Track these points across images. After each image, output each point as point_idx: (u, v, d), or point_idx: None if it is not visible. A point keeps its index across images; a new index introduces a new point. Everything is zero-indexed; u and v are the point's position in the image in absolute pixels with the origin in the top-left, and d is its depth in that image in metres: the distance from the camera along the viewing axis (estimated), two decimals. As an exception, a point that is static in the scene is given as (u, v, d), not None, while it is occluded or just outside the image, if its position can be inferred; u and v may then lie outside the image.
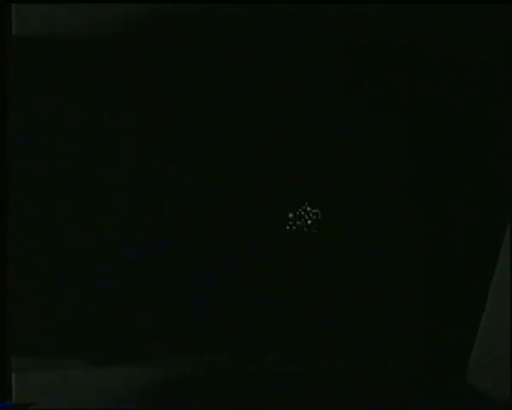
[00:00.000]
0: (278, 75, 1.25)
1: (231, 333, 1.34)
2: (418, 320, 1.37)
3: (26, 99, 1.16)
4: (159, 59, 1.21)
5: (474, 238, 1.34)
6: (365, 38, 1.22)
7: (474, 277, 1.35)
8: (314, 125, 1.29)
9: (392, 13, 1.19)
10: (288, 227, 1.35)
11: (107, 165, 1.25)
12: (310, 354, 1.36)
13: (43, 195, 1.24)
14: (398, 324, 1.37)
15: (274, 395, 1.30)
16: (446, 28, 1.21)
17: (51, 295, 1.27)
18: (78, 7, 1.14)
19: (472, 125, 1.29)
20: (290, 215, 1.36)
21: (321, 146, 1.30)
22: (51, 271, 1.27)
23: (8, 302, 1.08)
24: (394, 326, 1.37)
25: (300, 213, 1.35)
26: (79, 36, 1.15)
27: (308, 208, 1.35)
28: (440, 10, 1.19)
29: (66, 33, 1.14)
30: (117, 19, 1.15)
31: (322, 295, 1.35)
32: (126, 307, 1.30)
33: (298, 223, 1.36)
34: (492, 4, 1.18)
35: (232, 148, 1.28)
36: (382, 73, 1.25)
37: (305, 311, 1.35)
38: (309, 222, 1.35)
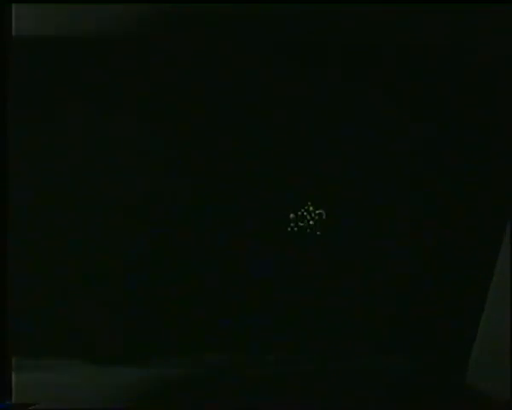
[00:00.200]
0: (279, 74, 1.25)
1: (231, 334, 1.34)
2: (418, 321, 1.38)
3: (26, 99, 1.16)
4: (159, 59, 1.21)
5: (475, 239, 1.35)
6: (368, 38, 1.22)
7: (474, 277, 1.35)
8: (317, 122, 1.28)
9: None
10: (289, 229, 1.34)
11: (107, 165, 1.25)
12: (310, 354, 1.37)
13: (43, 194, 1.24)
14: (398, 324, 1.37)
15: (274, 395, 1.31)
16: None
17: (51, 295, 1.28)
18: (78, 7, 1.14)
19: (473, 126, 1.29)
20: (291, 216, 1.34)
21: (324, 143, 1.30)
22: (51, 271, 1.27)
23: (8, 302, 1.08)
24: (394, 327, 1.37)
25: (303, 213, 1.34)
26: (79, 36, 1.15)
27: (311, 208, 1.34)
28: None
29: (66, 33, 1.14)
30: (117, 19, 1.15)
31: (323, 295, 1.35)
32: (126, 307, 1.30)
33: (300, 224, 1.35)
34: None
35: (232, 147, 1.28)
36: (386, 73, 1.25)
37: (305, 311, 1.35)
38: (311, 223, 1.34)
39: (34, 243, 1.25)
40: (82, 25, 1.14)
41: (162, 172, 1.27)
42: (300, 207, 1.33)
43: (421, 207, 1.33)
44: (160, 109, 1.24)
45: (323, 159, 1.30)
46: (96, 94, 1.20)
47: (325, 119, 1.28)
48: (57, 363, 1.28)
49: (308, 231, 1.33)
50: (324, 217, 1.33)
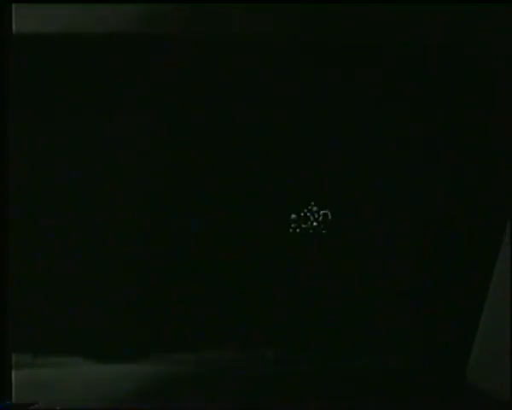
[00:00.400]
0: (280, 73, 1.25)
1: (231, 333, 1.34)
2: (419, 320, 1.38)
3: (26, 99, 1.17)
4: (159, 59, 1.22)
5: (475, 238, 1.35)
6: (369, 38, 1.22)
7: (474, 277, 1.35)
8: (320, 119, 1.28)
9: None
10: (291, 230, 1.33)
11: (107, 164, 1.25)
12: (310, 354, 1.37)
13: (43, 193, 1.25)
14: (398, 324, 1.37)
15: (274, 394, 1.31)
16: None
17: (51, 293, 1.28)
18: (78, 7, 1.14)
19: (474, 125, 1.29)
20: (293, 216, 1.32)
21: (327, 140, 1.30)
22: (50, 269, 1.27)
23: (8, 301, 1.08)
24: (394, 326, 1.37)
25: (305, 214, 1.32)
26: (79, 36, 1.15)
27: (315, 208, 1.32)
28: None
29: (67, 33, 1.14)
30: (117, 18, 1.16)
31: (323, 295, 1.35)
32: (126, 305, 1.30)
33: (303, 225, 1.32)
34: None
35: (231, 144, 1.28)
36: (391, 72, 1.26)
37: (306, 310, 1.35)
38: (315, 224, 1.32)
39: (34, 240, 1.25)
40: (82, 25, 1.14)
41: (162, 171, 1.27)
42: (303, 208, 1.32)
43: (425, 206, 1.34)
44: (160, 109, 1.25)
45: (327, 155, 1.30)
46: (97, 94, 1.20)
47: (329, 114, 1.28)
48: (57, 360, 1.28)
49: (311, 232, 1.32)
50: (330, 218, 1.32)
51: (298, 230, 1.32)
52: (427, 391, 1.35)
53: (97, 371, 1.28)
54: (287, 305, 1.34)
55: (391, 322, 1.37)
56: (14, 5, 1.10)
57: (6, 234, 1.08)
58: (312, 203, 1.31)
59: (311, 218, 1.32)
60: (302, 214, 1.31)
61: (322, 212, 1.32)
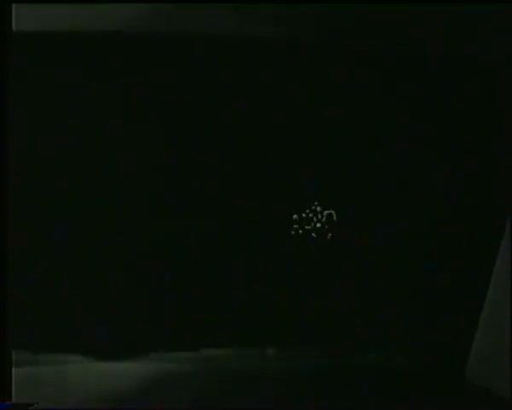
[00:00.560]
0: (282, 73, 1.25)
1: (232, 330, 1.34)
2: (418, 319, 1.38)
3: (26, 99, 1.17)
4: (159, 57, 1.22)
5: (475, 237, 1.35)
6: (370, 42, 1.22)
7: (474, 275, 1.35)
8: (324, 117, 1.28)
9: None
10: (293, 232, 1.29)
11: (107, 163, 1.25)
12: (310, 351, 1.37)
13: (43, 191, 1.25)
14: (398, 323, 1.37)
15: (273, 391, 1.31)
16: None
17: (51, 290, 1.28)
18: (78, 7, 1.14)
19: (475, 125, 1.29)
20: (295, 217, 1.29)
21: (331, 136, 1.29)
22: (50, 267, 1.28)
23: (8, 299, 1.08)
24: (395, 326, 1.37)
25: (308, 215, 1.29)
26: (80, 36, 1.15)
27: (318, 208, 1.29)
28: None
29: (67, 33, 1.14)
30: (118, 18, 1.16)
31: (324, 294, 1.35)
32: (126, 302, 1.30)
33: (306, 227, 1.29)
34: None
35: (230, 141, 1.28)
36: (391, 73, 1.25)
37: (306, 309, 1.35)
38: (318, 226, 1.29)
39: (34, 239, 1.26)
40: (82, 24, 1.15)
41: (163, 171, 1.27)
42: (306, 208, 1.30)
43: (427, 206, 1.33)
44: (161, 109, 1.25)
45: (332, 151, 1.30)
46: (97, 94, 1.20)
47: (334, 111, 1.28)
48: (57, 358, 1.28)
49: (314, 235, 1.30)
50: (335, 218, 1.30)
51: (300, 231, 1.29)
52: (426, 390, 1.35)
53: (97, 369, 1.29)
54: (287, 303, 1.34)
55: (391, 321, 1.37)
56: (14, 5, 1.10)
57: (6, 233, 1.09)
58: (316, 203, 1.30)
59: (315, 219, 1.29)
60: (304, 215, 1.29)
61: (326, 212, 1.29)
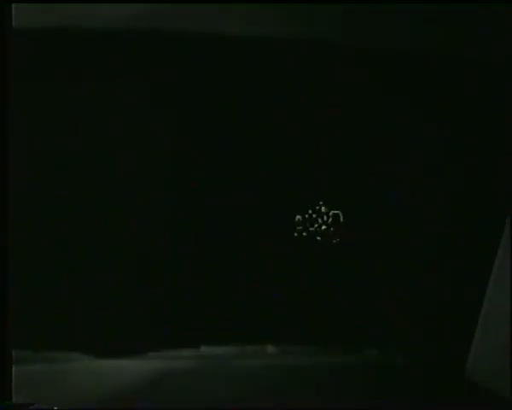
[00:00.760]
0: (286, 71, 1.25)
1: (231, 328, 1.35)
2: (418, 317, 1.38)
3: (27, 99, 1.17)
4: (158, 56, 1.22)
5: (475, 235, 1.35)
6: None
7: (474, 272, 1.35)
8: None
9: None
10: (296, 234, 1.24)
11: (107, 162, 1.26)
12: (311, 347, 1.37)
13: (42, 189, 1.25)
14: (397, 321, 1.38)
15: (273, 388, 1.31)
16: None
17: (50, 288, 1.29)
18: (78, 7, 1.14)
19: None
20: (297, 218, 1.25)
21: (338, 130, 1.29)
22: (51, 265, 1.28)
23: (8, 297, 1.08)
24: (394, 323, 1.38)
25: (311, 215, 1.24)
26: (80, 36, 1.15)
27: (324, 209, 1.24)
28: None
29: (67, 33, 1.14)
30: (118, 18, 1.16)
31: (324, 293, 1.35)
32: (126, 300, 1.31)
33: (310, 228, 1.24)
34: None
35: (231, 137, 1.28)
36: (391, 73, 1.26)
37: (306, 307, 1.36)
38: (324, 228, 1.24)
39: (33, 236, 1.26)
40: (82, 24, 1.15)
41: (165, 172, 1.28)
42: (309, 208, 1.27)
43: (429, 205, 1.34)
44: (162, 107, 1.25)
45: (338, 147, 1.30)
46: (97, 94, 1.20)
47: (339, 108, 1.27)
48: (57, 356, 1.28)
49: (318, 238, 1.26)
50: (342, 220, 1.27)
51: (304, 233, 1.25)
52: (426, 389, 1.36)
53: (97, 367, 1.29)
54: (286, 301, 1.35)
55: (391, 319, 1.38)
56: (14, 5, 1.10)
57: (6, 232, 1.09)
58: (321, 203, 1.26)
59: (320, 220, 1.25)
60: (307, 216, 1.25)
61: (332, 212, 1.26)
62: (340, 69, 1.25)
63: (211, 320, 1.33)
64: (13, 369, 1.11)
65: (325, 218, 1.24)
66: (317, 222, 1.24)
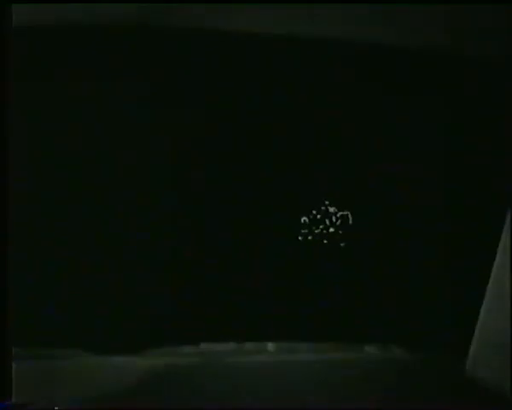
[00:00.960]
0: (290, 68, 1.26)
1: (231, 324, 1.35)
2: (418, 313, 1.38)
3: (27, 99, 1.18)
4: (158, 54, 1.22)
5: (475, 230, 1.35)
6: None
7: (474, 269, 1.35)
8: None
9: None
10: (300, 237, 1.18)
11: (107, 160, 1.26)
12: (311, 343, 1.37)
13: (44, 186, 1.26)
14: (398, 316, 1.38)
15: (274, 386, 1.31)
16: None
17: (50, 284, 1.29)
18: (78, 7, 1.15)
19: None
20: (303, 219, 1.18)
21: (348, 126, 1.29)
22: (50, 263, 1.29)
23: (8, 294, 1.09)
24: (394, 319, 1.38)
25: (316, 216, 1.19)
26: (80, 36, 1.16)
27: (331, 209, 1.18)
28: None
29: (67, 33, 1.15)
30: (118, 18, 1.16)
31: (324, 290, 1.36)
32: (125, 297, 1.31)
33: (316, 231, 1.17)
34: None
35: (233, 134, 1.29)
36: (391, 73, 1.26)
37: (305, 305, 1.36)
38: (332, 230, 1.16)
39: (33, 232, 1.27)
40: (82, 24, 1.15)
41: (167, 172, 1.28)
42: (316, 209, 1.22)
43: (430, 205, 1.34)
44: (163, 106, 1.25)
45: (346, 144, 1.29)
46: (97, 94, 1.21)
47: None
48: (57, 352, 1.29)
49: (325, 242, 1.21)
50: (351, 222, 1.23)
51: (310, 237, 1.20)
52: (426, 385, 1.36)
53: (97, 364, 1.30)
54: (286, 298, 1.35)
55: (391, 314, 1.38)
56: (14, 5, 1.10)
57: (6, 232, 1.09)
58: (327, 202, 1.20)
59: (327, 222, 1.18)
60: (311, 217, 1.19)
61: (340, 213, 1.20)
62: (340, 69, 1.25)
63: (211, 318, 1.34)
64: (13, 366, 1.11)
65: (333, 219, 1.17)
66: (325, 224, 1.17)
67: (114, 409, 1.15)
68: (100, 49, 1.19)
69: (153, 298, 1.32)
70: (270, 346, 1.37)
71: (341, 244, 1.18)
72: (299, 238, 1.19)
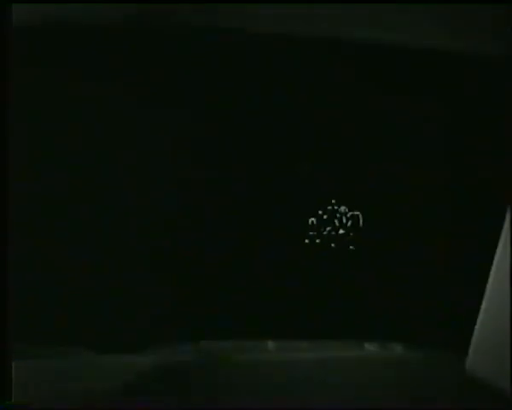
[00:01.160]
0: (290, 68, 1.25)
1: (231, 323, 1.35)
2: (418, 312, 1.38)
3: (27, 99, 1.18)
4: (158, 53, 1.22)
5: (475, 228, 1.35)
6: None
7: (474, 266, 1.35)
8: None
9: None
10: (307, 240, 1.13)
11: (107, 160, 1.26)
12: (311, 341, 1.37)
13: (43, 185, 1.26)
14: (398, 315, 1.38)
15: (273, 384, 1.31)
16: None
17: (51, 283, 1.29)
18: (78, 7, 1.15)
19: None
20: (311, 221, 1.12)
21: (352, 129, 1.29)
22: (51, 261, 1.29)
23: (9, 292, 1.09)
24: (394, 318, 1.38)
25: (322, 216, 1.13)
26: (80, 36, 1.16)
27: (342, 209, 1.12)
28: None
29: (67, 33, 1.15)
30: (118, 19, 1.16)
31: (323, 285, 1.36)
32: (126, 295, 1.31)
33: (324, 233, 1.12)
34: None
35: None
36: (391, 72, 1.26)
37: (305, 300, 1.36)
38: (341, 232, 1.11)
39: (33, 231, 1.27)
40: (82, 24, 1.15)
41: (170, 166, 1.28)
42: (324, 208, 1.19)
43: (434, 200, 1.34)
44: (163, 106, 1.25)
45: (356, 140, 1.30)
46: (97, 95, 1.21)
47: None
48: (57, 351, 1.29)
49: (333, 245, 1.17)
50: (361, 223, 1.19)
51: (317, 240, 1.16)
52: (426, 383, 1.36)
53: (97, 363, 1.30)
54: (286, 296, 1.35)
55: (391, 313, 1.38)
56: (14, 5, 1.10)
57: (6, 230, 1.09)
58: (333, 201, 1.15)
59: (337, 223, 1.12)
60: (313, 220, 1.15)
61: (350, 214, 1.15)
62: (340, 69, 1.25)
63: (211, 316, 1.34)
64: (13, 365, 1.11)
65: (344, 220, 1.10)
66: (334, 224, 1.10)
67: (114, 409, 1.16)
68: (100, 49, 1.19)
69: (152, 297, 1.32)
70: (270, 344, 1.36)
71: (350, 247, 1.14)
72: (306, 241, 1.14)
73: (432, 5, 1.17)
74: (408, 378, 1.36)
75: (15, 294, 1.11)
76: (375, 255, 1.35)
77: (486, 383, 1.31)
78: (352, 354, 1.37)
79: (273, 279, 1.34)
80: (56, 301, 1.29)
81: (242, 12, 1.18)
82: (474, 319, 1.36)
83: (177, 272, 1.32)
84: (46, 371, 1.25)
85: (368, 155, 1.31)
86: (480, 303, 1.35)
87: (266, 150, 1.30)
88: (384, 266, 1.36)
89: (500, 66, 1.22)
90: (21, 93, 1.17)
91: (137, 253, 1.31)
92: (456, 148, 1.30)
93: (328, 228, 1.07)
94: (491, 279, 1.34)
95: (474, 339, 1.36)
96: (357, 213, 1.08)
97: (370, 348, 1.38)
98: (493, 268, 1.34)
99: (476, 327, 1.36)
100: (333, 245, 1.12)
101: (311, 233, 1.10)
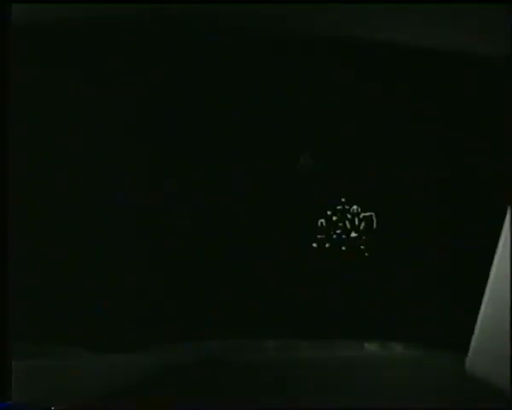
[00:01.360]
0: (290, 68, 1.26)
1: (231, 322, 1.35)
2: (418, 311, 1.38)
3: (27, 99, 1.18)
4: (158, 52, 1.22)
5: (475, 227, 1.35)
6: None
7: (474, 266, 1.35)
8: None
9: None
10: (315, 244, 1.06)
11: (107, 160, 1.26)
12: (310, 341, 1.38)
13: (43, 185, 1.26)
14: (398, 314, 1.38)
15: (274, 382, 1.31)
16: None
17: (51, 283, 1.29)
18: (78, 7, 1.15)
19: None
20: (321, 222, 1.05)
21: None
22: (50, 261, 1.29)
23: (9, 292, 1.09)
24: (394, 317, 1.38)
25: (332, 217, 1.05)
26: (80, 36, 1.16)
27: (354, 209, 1.03)
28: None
29: (67, 33, 1.15)
30: (118, 18, 1.16)
31: (323, 285, 1.36)
32: (127, 295, 1.32)
33: (334, 236, 1.04)
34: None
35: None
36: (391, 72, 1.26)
37: (305, 300, 1.36)
38: (354, 235, 1.02)
39: (33, 230, 1.27)
40: (82, 25, 1.15)
41: (173, 166, 1.28)
42: (335, 209, 1.16)
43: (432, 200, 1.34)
44: (163, 106, 1.25)
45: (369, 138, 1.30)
46: (97, 95, 1.21)
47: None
48: (57, 350, 1.29)
49: (344, 248, 1.12)
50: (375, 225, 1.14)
51: (327, 244, 1.08)
52: (426, 382, 1.36)
53: (97, 362, 1.30)
54: (285, 296, 1.35)
55: (391, 313, 1.38)
56: (14, 5, 1.10)
57: (6, 230, 1.09)
58: (343, 200, 1.07)
59: (348, 225, 1.04)
60: (322, 222, 1.08)
61: (363, 215, 1.08)
62: (340, 69, 1.25)
63: (211, 316, 1.34)
64: (13, 364, 1.12)
65: (356, 221, 1.01)
66: (346, 227, 1.01)
67: (114, 409, 1.16)
68: (100, 49, 1.19)
69: (152, 297, 1.32)
70: (270, 344, 1.37)
71: (362, 246, 1.08)
72: (314, 245, 1.07)
73: (432, 5, 1.17)
74: (408, 378, 1.36)
75: (15, 294, 1.11)
76: (374, 255, 1.35)
77: (486, 383, 1.31)
78: (351, 353, 1.37)
79: (273, 279, 1.34)
80: (56, 300, 1.29)
81: (242, 12, 1.17)
82: (474, 319, 1.36)
83: (176, 272, 1.32)
84: (46, 371, 1.26)
85: (367, 154, 1.31)
86: (480, 303, 1.35)
87: (266, 150, 1.30)
88: (384, 266, 1.36)
89: (500, 66, 1.22)
90: (21, 93, 1.16)
91: (137, 253, 1.31)
92: (456, 148, 1.30)
93: (338, 231, 0.99)
94: (491, 279, 1.34)
95: (474, 339, 1.36)
96: (371, 213, 0.97)
97: (370, 347, 1.38)
98: (493, 268, 1.34)
99: (476, 327, 1.36)
100: (344, 248, 1.05)
101: (319, 236, 1.01)
